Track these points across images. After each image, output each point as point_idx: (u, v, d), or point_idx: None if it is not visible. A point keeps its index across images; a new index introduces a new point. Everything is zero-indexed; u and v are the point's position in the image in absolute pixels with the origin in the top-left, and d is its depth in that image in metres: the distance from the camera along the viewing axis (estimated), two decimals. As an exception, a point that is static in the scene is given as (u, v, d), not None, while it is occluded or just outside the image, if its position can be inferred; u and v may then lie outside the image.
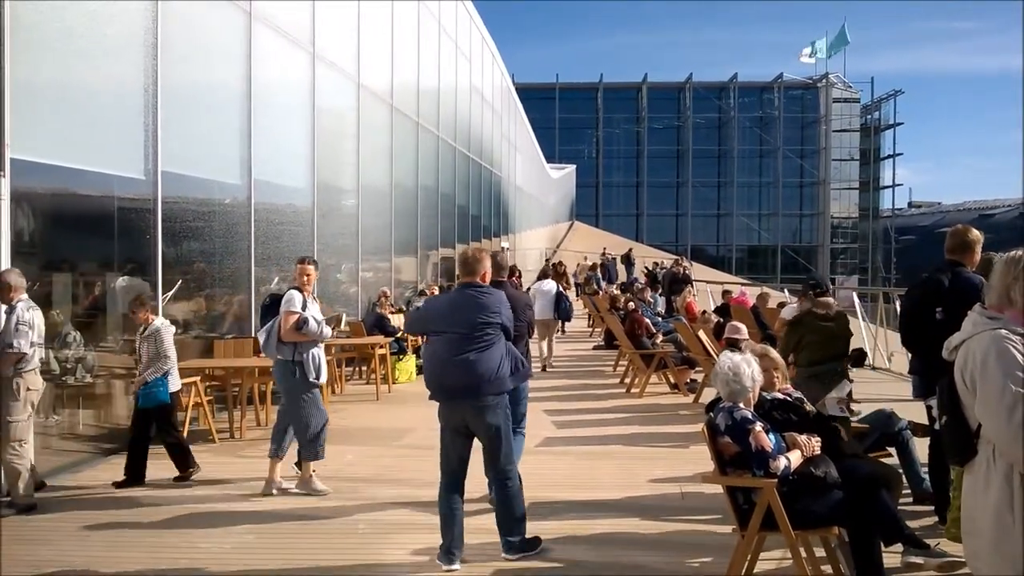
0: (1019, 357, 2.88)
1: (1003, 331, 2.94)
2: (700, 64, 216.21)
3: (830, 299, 7.20)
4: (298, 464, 7.03)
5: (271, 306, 6.97)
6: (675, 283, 22.13)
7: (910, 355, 6.20)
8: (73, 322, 8.69)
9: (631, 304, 13.30)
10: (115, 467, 7.81)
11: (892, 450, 6.24)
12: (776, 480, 4.21)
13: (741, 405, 4.39)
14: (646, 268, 33.34)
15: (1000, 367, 2.87)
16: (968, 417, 3.02)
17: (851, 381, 12.22)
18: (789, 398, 4.86)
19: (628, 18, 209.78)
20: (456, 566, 5.10)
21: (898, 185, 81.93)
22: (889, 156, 78.04)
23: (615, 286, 27.19)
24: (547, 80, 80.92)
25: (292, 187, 12.84)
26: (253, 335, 10.73)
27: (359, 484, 7.12)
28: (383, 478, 7.37)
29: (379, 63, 16.56)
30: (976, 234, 5.62)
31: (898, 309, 15.18)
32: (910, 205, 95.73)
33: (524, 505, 5.35)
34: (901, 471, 5.95)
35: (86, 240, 9.37)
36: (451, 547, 5.13)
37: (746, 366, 4.42)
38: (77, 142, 8.05)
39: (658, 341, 12.30)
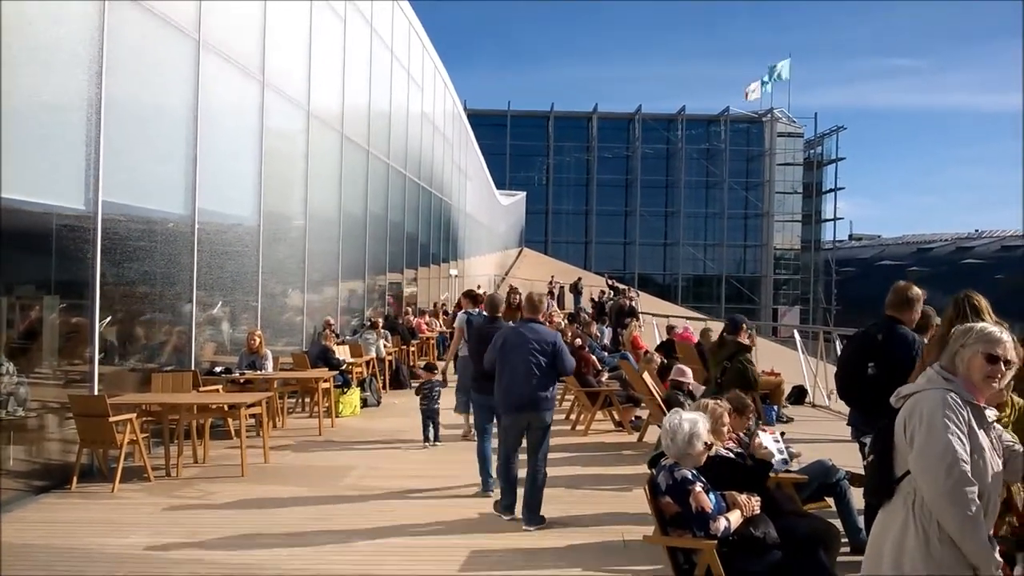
0: (962, 424, 2.97)
1: (954, 395, 3.03)
2: (649, 96, 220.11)
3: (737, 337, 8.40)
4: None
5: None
6: (621, 315, 22.29)
7: (848, 407, 6.30)
8: (6, 350, 8.39)
9: (578, 340, 13.32)
10: (47, 506, 7.60)
11: (830, 500, 6.32)
12: (716, 541, 4.23)
13: (682, 465, 4.41)
14: (593, 299, 33.50)
15: (947, 427, 2.95)
16: (895, 463, 3.09)
17: (790, 419, 12.48)
18: (732, 454, 4.90)
19: (578, 48, 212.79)
20: (515, 515, 7.03)
21: (839, 218, 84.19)
22: (831, 190, 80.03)
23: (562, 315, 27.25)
24: (499, 107, 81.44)
25: (238, 215, 12.67)
26: (193, 368, 10.53)
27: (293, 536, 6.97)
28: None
29: (330, 91, 16.49)
30: (917, 291, 5.72)
31: (838, 347, 15.52)
32: (851, 238, 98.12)
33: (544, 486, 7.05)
34: (839, 520, 6.06)
35: (21, 263, 9.06)
36: (511, 503, 7.10)
37: (687, 426, 4.45)
38: (16, 171, 7.81)
39: (603, 379, 12.33)
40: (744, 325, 8.74)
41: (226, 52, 11.46)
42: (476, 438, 8.50)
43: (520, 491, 7.14)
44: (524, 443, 7.24)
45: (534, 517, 6.92)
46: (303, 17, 14.81)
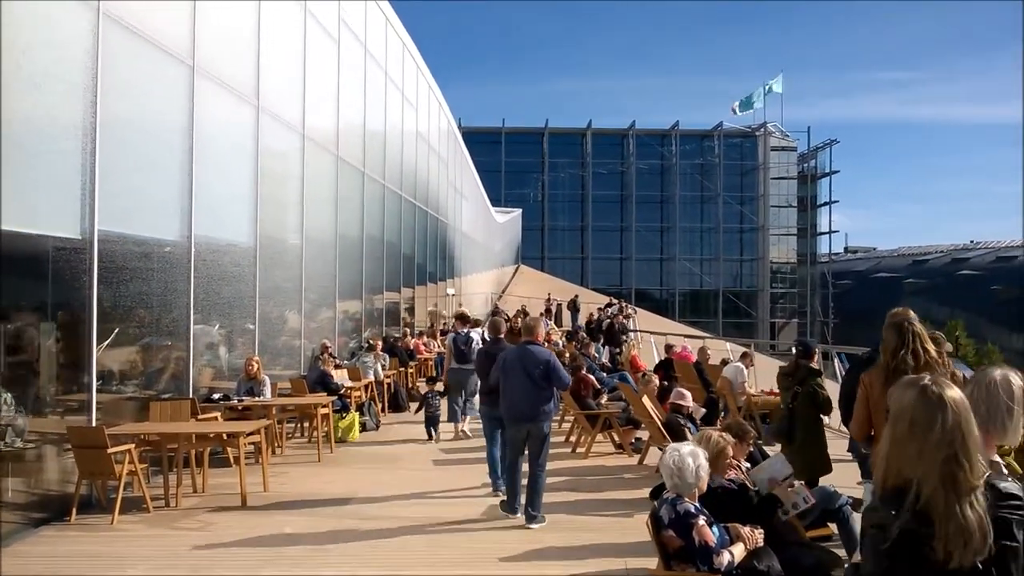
0: None
1: None
2: (642, 111, 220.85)
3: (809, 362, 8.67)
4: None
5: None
6: (612, 333, 22.25)
7: (849, 436, 6.29)
8: (4, 380, 8.33)
9: (577, 362, 13.30)
10: (47, 539, 7.54)
11: (832, 526, 6.30)
12: (719, 575, 4.21)
13: (685, 498, 4.39)
14: (591, 314, 33.45)
15: None
16: None
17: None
18: (735, 485, 4.88)
19: (572, 63, 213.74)
20: (519, 515, 7.84)
21: (834, 231, 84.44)
22: (825, 203, 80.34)
23: (560, 334, 27.24)
24: (494, 124, 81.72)
25: (234, 240, 12.65)
26: (191, 395, 10.48)
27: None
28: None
29: (324, 113, 16.52)
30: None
31: (836, 364, 15.52)
32: (846, 250, 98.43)
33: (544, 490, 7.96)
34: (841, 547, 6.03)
35: (16, 289, 9.02)
36: (515, 503, 7.89)
37: (691, 460, 4.43)
38: (11, 201, 7.80)
39: (603, 400, 12.30)
40: (816, 349, 9.14)
41: (220, 77, 11.48)
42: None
43: (523, 495, 7.99)
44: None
45: (534, 514, 7.79)
46: (297, 39, 14.85)
